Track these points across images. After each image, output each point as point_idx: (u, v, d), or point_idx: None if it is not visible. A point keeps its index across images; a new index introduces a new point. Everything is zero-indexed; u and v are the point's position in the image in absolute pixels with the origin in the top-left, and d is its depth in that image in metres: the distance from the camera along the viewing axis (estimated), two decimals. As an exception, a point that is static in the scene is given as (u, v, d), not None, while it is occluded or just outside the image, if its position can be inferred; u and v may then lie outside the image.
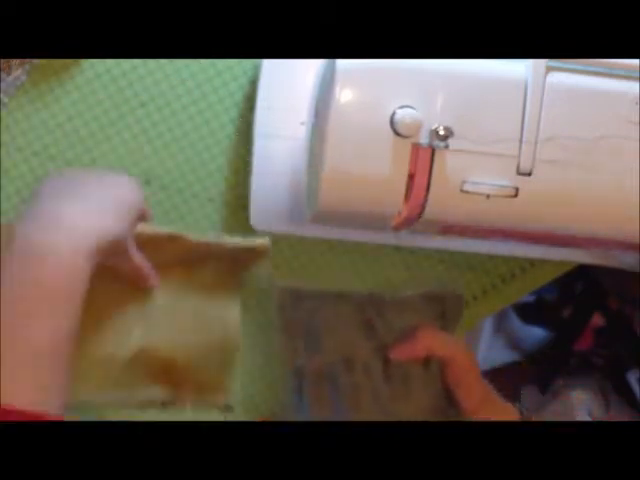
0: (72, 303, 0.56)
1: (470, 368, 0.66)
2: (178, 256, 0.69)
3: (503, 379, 1.08)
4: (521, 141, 0.60)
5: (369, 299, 0.67)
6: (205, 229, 0.77)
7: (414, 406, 0.66)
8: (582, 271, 0.81)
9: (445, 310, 0.68)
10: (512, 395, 1.05)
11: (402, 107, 0.59)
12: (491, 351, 1.09)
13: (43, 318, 0.54)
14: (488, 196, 0.60)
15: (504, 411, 0.69)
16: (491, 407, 0.68)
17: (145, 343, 0.68)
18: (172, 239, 0.68)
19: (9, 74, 0.75)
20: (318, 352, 0.66)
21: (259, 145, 0.73)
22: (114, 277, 0.65)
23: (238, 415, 0.79)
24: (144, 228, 0.66)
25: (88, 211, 0.57)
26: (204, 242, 0.69)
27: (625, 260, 0.76)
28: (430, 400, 0.66)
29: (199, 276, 0.71)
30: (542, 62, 0.60)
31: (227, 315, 0.71)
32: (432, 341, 0.65)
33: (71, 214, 0.57)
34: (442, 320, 0.69)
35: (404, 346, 0.65)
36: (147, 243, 0.66)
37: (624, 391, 1.00)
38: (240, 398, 0.79)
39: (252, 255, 0.70)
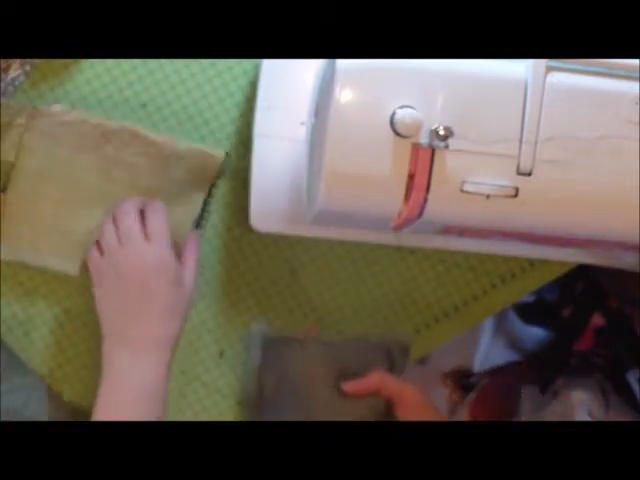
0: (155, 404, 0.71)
1: (418, 406, 0.73)
2: (141, 154, 0.75)
3: (503, 379, 1.08)
4: (521, 141, 0.60)
5: (329, 346, 0.77)
6: (205, 229, 0.78)
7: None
8: (582, 271, 0.81)
9: (392, 357, 0.77)
10: (512, 395, 1.05)
11: (402, 107, 0.59)
12: (491, 351, 1.09)
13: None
14: (488, 196, 0.60)
15: None
16: None
17: None
18: (134, 135, 0.75)
19: (8, 74, 0.75)
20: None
21: (259, 145, 0.73)
22: (104, 171, 0.75)
23: (238, 415, 0.79)
24: (108, 122, 0.75)
25: (158, 327, 0.70)
26: (161, 140, 0.76)
27: (625, 260, 0.76)
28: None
29: (165, 182, 0.76)
30: (542, 62, 0.60)
31: (180, 223, 0.76)
32: (380, 383, 0.73)
33: (148, 337, 0.70)
34: (390, 363, 0.77)
35: (356, 382, 0.74)
36: (113, 137, 0.75)
37: (624, 391, 1.00)
38: (240, 398, 0.79)
39: (207, 163, 0.76)
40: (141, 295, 0.69)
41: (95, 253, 0.71)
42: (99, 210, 0.75)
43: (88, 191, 0.76)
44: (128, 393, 0.69)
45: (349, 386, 0.74)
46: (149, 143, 0.75)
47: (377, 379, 0.74)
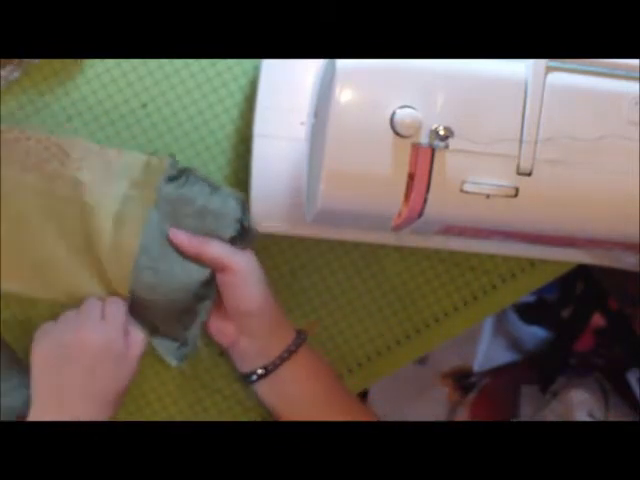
0: None
1: (249, 275, 0.71)
2: (84, 168, 0.74)
3: (503, 379, 1.08)
4: (521, 141, 0.60)
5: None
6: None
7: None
8: (582, 271, 0.81)
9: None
10: (512, 395, 1.05)
11: (402, 107, 0.59)
12: (491, 351, 1.10)
13: None
14: (488, 196, 0.60)
15: (281, 330, 0.74)
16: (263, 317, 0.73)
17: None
18: (75, 145, 0.74)
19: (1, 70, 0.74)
20: None
21: (259, 145, 0.73)
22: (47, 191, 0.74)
23: (238, 415, 0.79)
24: (52, 136, 0.73)
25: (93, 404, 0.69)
26: (102, 149, 0.74)
27: (625, 260, 0.76)
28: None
29: (109, 199, 0.74)
30: (542, 62, 0.60)
31: (127, 245, 0.74)
32: (203, 248, 0.71)
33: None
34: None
35: (184, 236, 0.72)
36: (56, 150, 0.73)
37: (624, 391, 1.00)
38: (240, 397, 0.79)
39: (150, 171, 0.74)
40: (81, 370, 0.70)
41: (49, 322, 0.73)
42: (50, 229, 0.74)
43: (37, 210, 0.74)
44: None
45: (176, 235, 0.72)
46: (90, 152, 0.74)
47: (201, 246, 0.71)
